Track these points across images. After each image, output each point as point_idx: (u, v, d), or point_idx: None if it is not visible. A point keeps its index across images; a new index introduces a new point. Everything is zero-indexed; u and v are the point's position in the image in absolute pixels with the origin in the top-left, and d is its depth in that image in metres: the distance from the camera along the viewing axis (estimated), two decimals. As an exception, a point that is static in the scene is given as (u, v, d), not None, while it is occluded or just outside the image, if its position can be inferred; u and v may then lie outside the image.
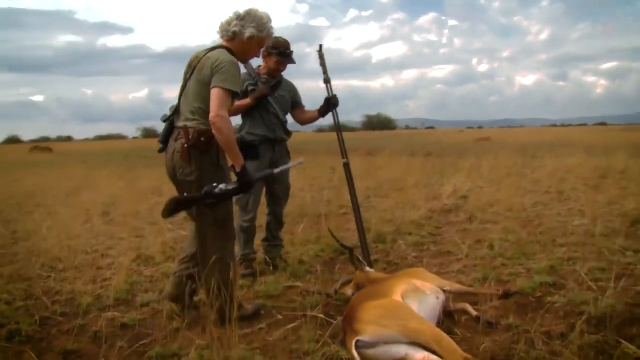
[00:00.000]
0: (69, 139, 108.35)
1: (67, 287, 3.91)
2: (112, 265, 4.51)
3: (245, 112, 4.17)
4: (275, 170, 3.42)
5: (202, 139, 3.02)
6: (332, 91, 4.22)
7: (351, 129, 74.39)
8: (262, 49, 3.47)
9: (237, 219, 4.25)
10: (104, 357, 2.79)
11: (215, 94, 2.93)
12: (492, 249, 4.44)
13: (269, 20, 3.25)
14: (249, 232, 4.28)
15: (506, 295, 3.33)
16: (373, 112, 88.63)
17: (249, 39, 3.18)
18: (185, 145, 3.02)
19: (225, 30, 3.19)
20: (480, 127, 79.44)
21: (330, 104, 4.22)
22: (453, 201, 7.04)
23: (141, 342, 2.95)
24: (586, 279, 3.49)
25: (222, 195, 2.96)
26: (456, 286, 3.29)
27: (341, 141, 4.24)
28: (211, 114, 2.89)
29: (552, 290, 3.47)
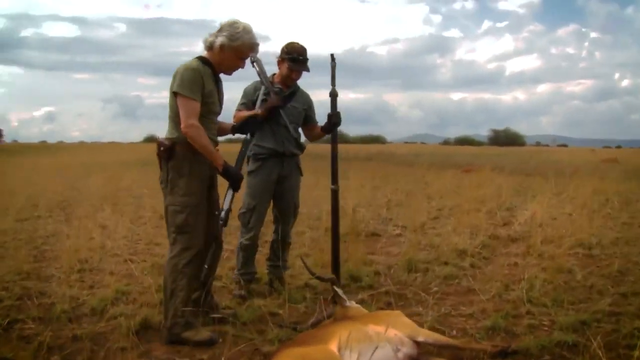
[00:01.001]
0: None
1: (63, 291, 3.88)
2: (121, 271, 4.46)
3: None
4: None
5: (161, 148, 3.14)
6: (336, 107, 3.85)
7: (478, 143, 71.66)
8: (245, 59, 3.34)
9: (239, 236, 4.09)
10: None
11: (179, 103, 3.05)
12: (530, 292, 3.75)
13: (246, 31, 3.20)
14: (247, 251, 4.00)
15: (502, 354, 2.73)
16: (501, 127, 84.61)
17: (221, 47, 3.17)
18: (157, 155, 3.18)
19: (205, 41, 3.25)
20: (619, 147, 72.57)
21: (332, 121, 3.85)
22: (525, 229, 6.22)
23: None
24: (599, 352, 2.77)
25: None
26: (436, 337, 2.73)
27: (335, 164, 3.90)
28: (182, 125, 3.02)
29: (566, 354, 2.80)
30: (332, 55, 3.83)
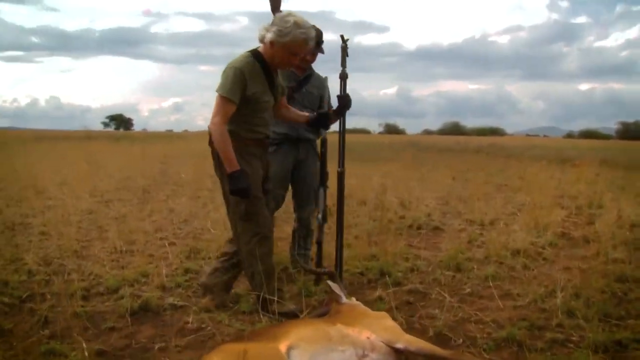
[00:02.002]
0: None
1: (94, 269, 3.99)
2: (159, 254, 4.53)
3: None
4: None
5: (211, 138, 3.13)
6: (345, 89, 3.56)
7: (604, 137, 66.02)
8: (299, 55, 3.17)
9: None
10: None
11: (216, 98, 3.06)
12: (573, 301, 3.25)
13: (297, 25, 3.03)
14: None
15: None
16: (632, 120, 77.43)
17: (271, 43, 3.08)
18: (209, 144, 3.21)
19: (259, 33, 3.15)
20: None
21: (342, 104, 3.56)
22: (606, 229, 5.49)
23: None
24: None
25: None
26: (420, 345, 2.40)
27: (342, 148, 3.63)
28: (210, 120, 3.06)
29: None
30: (342, 36, 3.56)
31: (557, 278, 3.64)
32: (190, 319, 3.08)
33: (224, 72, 3.08)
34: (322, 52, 3.82)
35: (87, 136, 34.91)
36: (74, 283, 3.63)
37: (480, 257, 4.42)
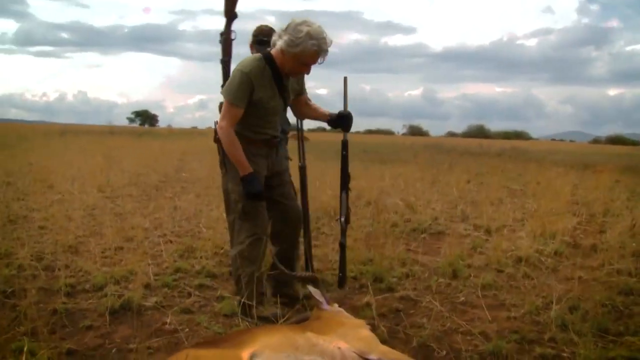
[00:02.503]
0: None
1: (85, 266, 3.95)
2: (153, 252, 4.49)
3: None
4: None
5: (216, 136, 3.12)
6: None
7: (632, 143, 64.56)
8: (310, 65, 3.05)
9: None
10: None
11: (223, 102, 3.04)
12: (571, 314, 3.10)
13: (309, 36, 2.91)
14: None
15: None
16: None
17: (282, 51, 2.99)
18: (214, 140, 3.20)
19: (272, 37, 3.09)
20: None
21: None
22: (617, 239, 5.28)
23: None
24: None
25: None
26: (394, 357, 2.30)
27: (301, 143, 3.67)
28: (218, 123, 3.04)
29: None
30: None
31: (556, 289, 3.48)
32: (168, 320, 3.01)
33: (232, 73, 3.04)
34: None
35: (110, 131, 35.39)
36: (61, 279, 3.58)
37: (480, 264, 4.28)
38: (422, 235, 5.52)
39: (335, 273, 3.59)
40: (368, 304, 3.32)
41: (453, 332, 2.95)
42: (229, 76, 3.10)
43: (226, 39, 3.20)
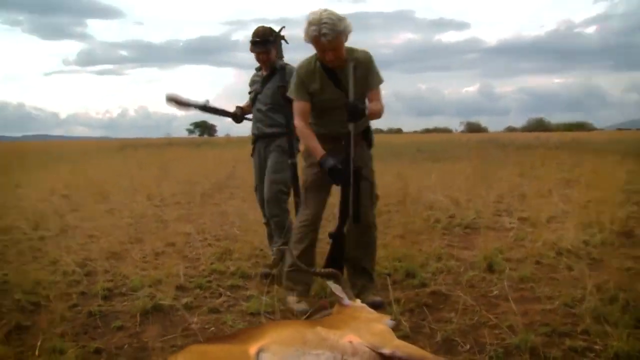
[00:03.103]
0: (399, 131, 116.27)
1: (124, 270, 4.08)
2: (192, 256, 4.59)
3: None
4: None
5: None
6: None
7: None
8: (325, 51, 3.09)
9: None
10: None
11: None
12: (609, 305, 2.94)
13: (310, 24, 3.02)
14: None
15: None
16: None
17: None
18: None
19: None
20: None
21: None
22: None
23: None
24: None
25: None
26: (410, 351, 2.24)
27: (291, 140, 3.92)
28: None
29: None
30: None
31: (597, 280, 3.31)
32: (195, 320, 3.06)
33: None
34: (268, 50, 3.91)
35: (168, 143, 36.55)
36: (99, 283, 3.71)
37: (519, 257, 4.15)
38: (465, 230, 5.41)
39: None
40: (397, 300, 3.26)
41: (481, 326, 2.85)
42: None
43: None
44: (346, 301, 2.74)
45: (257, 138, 4.13)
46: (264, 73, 4.04)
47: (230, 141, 47.21)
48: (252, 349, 2.03)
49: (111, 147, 33.23)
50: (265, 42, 3.88)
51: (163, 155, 20.77)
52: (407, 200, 7.18)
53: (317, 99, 3.22)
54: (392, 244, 4.55)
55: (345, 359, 2.13)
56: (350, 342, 2.19)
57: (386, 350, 2.20)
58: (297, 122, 3.25)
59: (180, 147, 30.66)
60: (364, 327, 2.32)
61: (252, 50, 3.94)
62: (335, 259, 3.21)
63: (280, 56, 4.00)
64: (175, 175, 11.81)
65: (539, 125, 71.27)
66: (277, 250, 3.95)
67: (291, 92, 3.31)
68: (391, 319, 2.73)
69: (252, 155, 4.23)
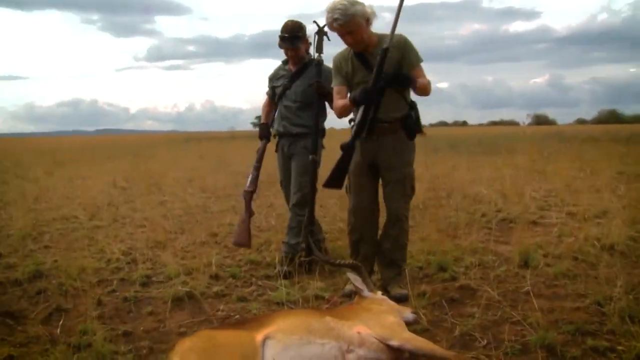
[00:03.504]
0: (464, 124, 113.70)
1: (164, 259, 4.24)
2: (227, 247, 4.71)
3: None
4: None
5: None
6: (320, 75, 3.82)
7: None
8: (343, 36, 3.23)
9: None
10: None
11: None
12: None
13: (327, 12, 3.16)
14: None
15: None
16: None
17: None
18: None
19: None
20: None
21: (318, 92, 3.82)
22: None
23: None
24: None
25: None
26: (418, 345, 2.22)
27: (315, 137, 3.83)
28: None
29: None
30: (315, 22, 3.70)
31: (635, 278, 3.17)
32: (221, 307, 3.16)
33: None
34: (297, 46, 3.90)
35: (232, 136, 37.27)
36: (139, 271, 3.89)
37: (560, 253, 4.00)
38: (510, 225, 5.27)
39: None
40: (424, 293, 3.24)
41: (504, 321, 2.80)
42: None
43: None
44: (366, 293, 2.74)
45: (282, 135, 4.09)
46: (292, 68, 4.01)
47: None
48: (259, 336, 2.09)
49: (177, 140, 34.32)
50: (294, 38, 3.85)
51: (224, 148, 21.26)
52: (456, 193, 7.06)
53: (350, 82, 3.31)
54: (430, 238, 4.49)
55: (351, 349, 2.15)
56: (359, 333, 2.21)
57: (394, 343, 2.20)
58: (335, 101, 3.35)
59: (243, 140, 31.18)
60: (374, 318, 2.33)
61: (280, 46, 3.93)
62: (342, 170, 3.30)
63: (320, 52, 3.83)
64: (233, 168, 12.05)
65: (611, 117, 67.74)
66: (286, 244, 4.02)
67: (332, 82, 3.40)
68: (412, 312, 2.75)
69: (276, 151, 4.22)
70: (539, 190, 7.22)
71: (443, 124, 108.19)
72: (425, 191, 7.04)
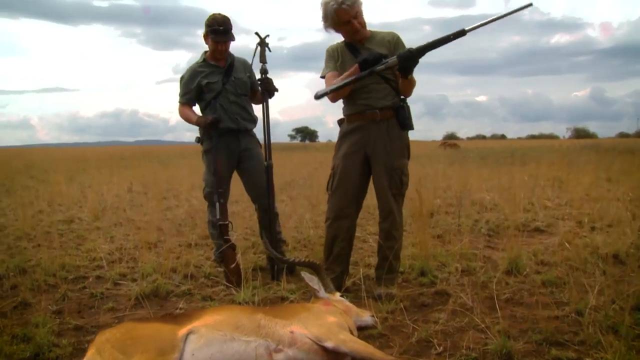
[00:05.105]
0: (502, 137, 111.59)
1: (148, 258, 4.18)
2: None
3: (206, 105, 3.88)
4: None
5: None
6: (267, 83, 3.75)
7: None
8: (340, 25, 3.21)
9: None
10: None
11: None
12: (621, 317, 2.58)
13: (327, 3, 3.15)
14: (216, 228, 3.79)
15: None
16: None
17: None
18: None
19: None
20: None
21: (264, 87, 3.77)
22: None
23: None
24: None
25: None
26: (354, 347, 2.07)
27: (268, 141, 3.79)
28: None
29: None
30: (257, 33, 3.74)
31: (628, 288, 2.92)
32: (181, 305, 3.07)
33: None
34: (232, 39, 3.79)
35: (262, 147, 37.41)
36: (116, 269, 3.83)
37: (555, 261, 3.78)
38: (513, 232, 5.01)
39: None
40: (392, 296, 3.08)
41: (469, 328, 2.61)
42: None
43: None
44: (321, 293, 2.62)
45: (228, 132, 3.83)
46: (218, 64, 3.86)
47: (329, 146, 47.75)
48: (183, 330, 1.98)
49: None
50: (228, 31, 3.74)
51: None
52: (465, 200, 6.83)
53: (340, 74, 3.19)
54: (423, 243, 4.31)
55: (280, 348, 2.03)
56: (292, 332, 2.08)
57: (329, 344, 2.06)
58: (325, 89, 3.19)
59: (276, 151, 31.20)
60: (312, 318, 2.20)
61: (213, 39, 3.73)
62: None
63: (264, 61, 3.76)
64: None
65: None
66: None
67: (322, 71, 3.31)
68: (370, 315, 2.60)
69: (206, 150, 3.92)
70: (554, 199, 6.93)
71: (480, 137, 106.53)
72: (434, 198, 6.84)
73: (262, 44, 3.69)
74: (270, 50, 3.70)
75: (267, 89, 3.74)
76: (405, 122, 3.24)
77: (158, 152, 33.68)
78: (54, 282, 3.59)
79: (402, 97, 3.27)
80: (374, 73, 2.98)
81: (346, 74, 3.09)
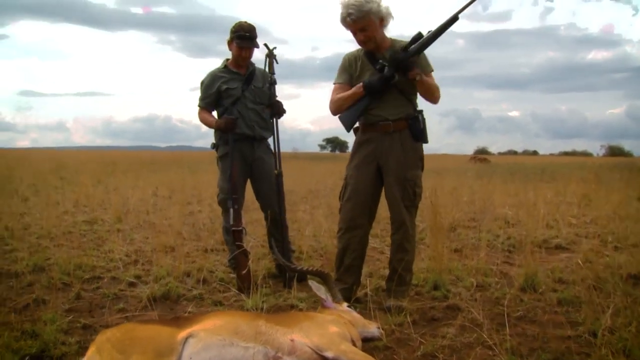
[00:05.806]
0: (534, 153, 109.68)
1: (163, 261, 4.23)
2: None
3: (224, 111, 3.90)
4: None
5: None
6: (274, 95, 3.79)
7: None
8: (355, 33, 3.17)
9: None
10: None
11: None
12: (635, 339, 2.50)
13: (341, 7, 3.11)
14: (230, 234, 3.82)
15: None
16: None
17: None
18: None
19: None
20: None
21: (274, 111, 3.82)
22: None
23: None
24: None
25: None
26: (357, 358, 2.05)
27: (277, 151, 3.84)
28: None
29: None
30: (266, 44, 3.81)
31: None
32: (189, 310, 3.08)
33: None
34: (257, 46, 3.84)
35: (293, 156, 37.69)
36: (131, 271, 3.88)
37: (575, 279, 3.66)
38: (534, 249, 4.91)
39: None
40: (401, 308, 3.03)
41: (477, 345, 2.55)
42: None
43: None
44: (328, 303, 2.60)
45: (243, 139, 3.86)
46: (239, 71, 3.91)
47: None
48: (182, 333, 1.99)
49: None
50: (254, 38, 3.80)
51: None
52: (489, 216, 6.73)
53: (355, 83, 3.19)
54: (440, 257, 4.25)
55: (278, 356, 2.01)
56: (292, 340, 2.07)
57: (329, 354, 2.04)
58: (336, 96, 3.25)
59: (301, 160, 31.46)
60: (315, 327, 2.18)
61: (238, 45, 3.77)
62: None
63: (273, 72, 3.81)
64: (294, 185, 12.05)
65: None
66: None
67: (335, 79, 3.30)
68: (377, 327, 2.57)
69: (221, 156, 3.98)
70: (580, 216, 6.77)
71: (512, 152, 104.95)
72: (457, 212, 6.76)
73: (270, 55, 3.76)
74: (277, 62, 3.79)
75: (277, 112, 3.81)
76: (419, 134, 3.22)
77: (188, 158, 34.04)
78: (69, 281, 3.65)
79: (417, 108, 3.25)
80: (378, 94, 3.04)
81: (350, 92, 3.17)
